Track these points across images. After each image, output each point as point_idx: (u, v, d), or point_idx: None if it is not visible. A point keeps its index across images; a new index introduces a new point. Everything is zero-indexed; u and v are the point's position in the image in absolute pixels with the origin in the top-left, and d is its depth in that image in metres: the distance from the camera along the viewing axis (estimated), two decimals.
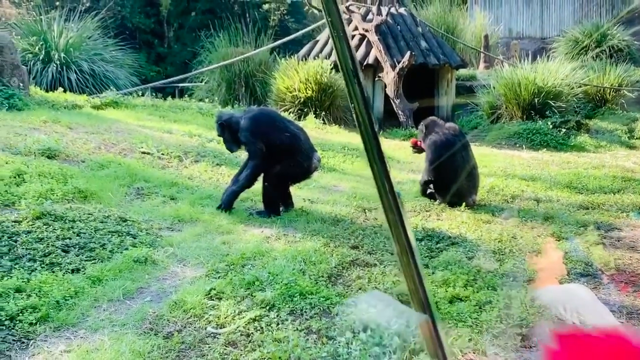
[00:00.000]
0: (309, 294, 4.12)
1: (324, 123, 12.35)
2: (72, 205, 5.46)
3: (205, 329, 3.67)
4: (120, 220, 5.34)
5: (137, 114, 10.52)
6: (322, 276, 4.49)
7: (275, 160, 6.13)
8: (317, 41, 14.97)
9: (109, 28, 17.15)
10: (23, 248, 4.53)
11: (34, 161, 6.49)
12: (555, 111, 12.48)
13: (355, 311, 3.87)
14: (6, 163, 6.22)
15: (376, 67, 13.66)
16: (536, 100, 12.57)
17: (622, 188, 7.84)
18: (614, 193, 7.55)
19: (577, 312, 3.89)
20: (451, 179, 6.57)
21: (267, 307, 3.93)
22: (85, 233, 4.92)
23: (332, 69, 12.85)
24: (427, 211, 6.52)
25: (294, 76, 12.75)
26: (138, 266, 4.56)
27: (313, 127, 11.25)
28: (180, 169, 7.54)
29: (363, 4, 15.25)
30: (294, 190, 6.55)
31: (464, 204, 6.59)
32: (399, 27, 14.63)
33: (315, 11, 16.90)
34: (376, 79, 13.58)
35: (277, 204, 6.24)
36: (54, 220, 5.02)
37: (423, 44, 14.32)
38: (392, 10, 14.69)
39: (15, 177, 5.88)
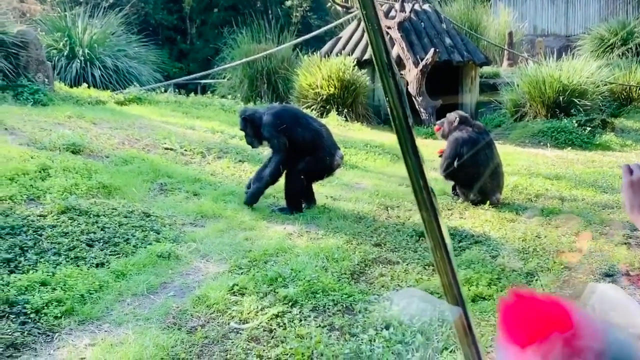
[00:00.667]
0: (332, 290, 4.13)
1: (346, 120, 12.33)
2: (96, 200, 5.52)
3: (228, 324, 3.70)
4: (144, 216, 5.39)
5: (161, 110, 10.59)
6: (345, 273, 4.50)
7: (297, 156, 6.14)
8: (340, 38, 14.93)
9: (132, 24, 17.24)
10: (48, 242, 4.59)
11: (58, 156, 6.56)
12: (581, 109, 12.33)
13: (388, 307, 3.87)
14: (31, 158, 6.30)
15: (398, 64, 13.59)
16: (561, 98, 12.43)
17: None
18: None
19: (606, 313, 3.85)
20: (475, 178, 6.53)
21: (290, 304, 3.95)
22: (109, 228, 4.97)
23: (354, 65, 12.82)
24: (449, 209, 6.49)
25: (317, 73, 12.74)
26: (161, 261, 4.60)
27: (335, 125, 11.24)
28: (203, 165, 7.58)
29: (386, 1, 15.19)
30: (316, 187, 6.55)
31: (487, 202, 6.54)
32: (422, 23, 14.55)
33: (338, 8, 16.85)
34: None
35: (299, 200, 6.25)
36: (78, 215, 5.07)
37: (447, 40, 14.23)
38: (416, 6, 14.61)
39: (40, 172, 5.95)
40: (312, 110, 12.04)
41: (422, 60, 12.89)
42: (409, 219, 5.98)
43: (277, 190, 6.57)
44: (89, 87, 11.68)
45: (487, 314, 3.94)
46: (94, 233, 4.84)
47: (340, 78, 12.54)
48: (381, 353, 3.38)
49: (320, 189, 6.85)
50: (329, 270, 4.49)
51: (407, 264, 4.74)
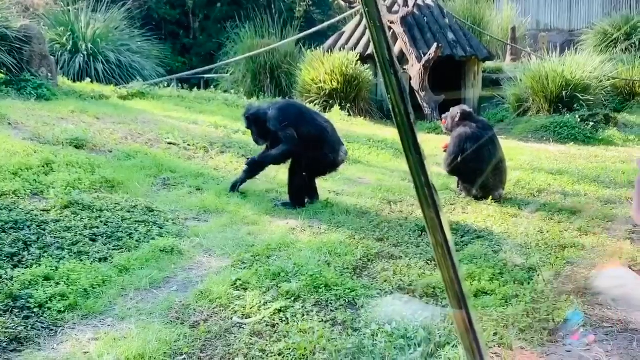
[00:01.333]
0: (335, 285, 4.13)
1: (349, 115, 12.33)
2: (99, 195, 5.53)
3: (231, 319, 3.70)
4: (147, 210, 5.40)
5: (164, 105, 10.59)
6: (348, 268, 4.50)
7: (302, 152, 6.13)
8: (343, 33, 14.92)
9: (135, 19, 17.24)
10: (52, 236, 4.59)
11: (62, 151, 6.57)
12: (584, 104, 12.30)
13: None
14: (35, 152, 6.31)
15: (401, 59, 13.56)
16: (564, 93, 12.40)
17: None
18: None
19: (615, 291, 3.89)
20: (478, 173, 6.52)
21: (293, 298, 3.95)
22: (112, 222, 4.98)
23: (357, 60, 12.81)
24: (452, 204, 6.48)
25: (320, 68, 12.74)
26: (165, 256, 4.60)
27: (338, 119, 11.23)
28: (206, 159, 7.58)
29: None
30: (319, 182, 6.55)
31: (490, 197, 6.53)
32: (425, 18, 14.52)
33: (342, 2, 16.81)
34: (401, 71, 13.50)
35: (302, 195, 6.25)
36: (81, 210, 5.08)
37: (450, 35, 14.20)
38: (419, 1, 14.57)
39: (43, 167, 5.96)
40: (315, 105, 12.05)
41: (425, 55, 12.87)
42: (411, 214, 5.98)
43: (281, 185, 6.57)
44: (92, 81, 11.71)
45: (490, 309, 3.94)
46: (97, 228, 4.85)
47: (343, 73, 12.54)
48: (383, 348, 3.38)
49: (323, 184, 6.85)
50: (331, 265, 4.49)
51: (409, 259, 4.74)
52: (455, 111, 6.96)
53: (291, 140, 6.03)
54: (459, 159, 6.59)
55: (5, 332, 3.39)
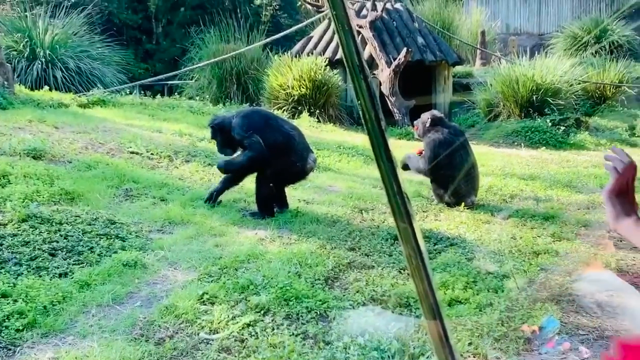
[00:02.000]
0: (305, 297, 4.11)
1: (319, 121, 12.34)
2: (58, 207, 5.44)
3: (198, 334, 3.66)
4: (109, 223, 5.32)
5: (125, 113, 10.48)
6: (319, 279, 4.48)
7: (269, 160, 6.11)
8: (311, 37, 14.95)
9: (96, 24, 17.05)
10: (9, 252, 4.50)
11: (19, 162, 6.45)
12: (554, 109, 12.50)
13: None
14: None
15: (370, 64, 13.63)
16: (534, 97, 12.59)
17: None
18: None
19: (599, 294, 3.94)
20: (450, 180, 6.57)
21: (262, 312, 3.92)
22: (72, 236, 4.89)
23: (326, 65, 12.84)
24: (424, 211, 6.52)
25: (287, 73, 12.73)
26: (128, 270, 4.54)
27: (307, 126, 11.24)
28: (171, 169, 7.51)
29: (357, 0, 15.24)
30: (288, 190, 6.53)
31: (463, 204, 6.58)
32: (394, 22, 14.62)
33: (309, 6, 16.86)
34: (371, 76, 13.55)
35: (270, 204, 6.22)
36: (40, 223, 4.99)
37: (420, 40, 14.32)
38: (388, 5, 14.68)
39: (0, 178, 5.84)
40: (283, 112, 12.04)
41: (394, 60, 12.94)
42: (383, 222, 5.99)
43: (248, 194, 6.54)
44: (50, 89, 11.53)
45: (464, 318, 3.96)
46: (57, 242, 4.76)
47: (311, 78, 12.55)
48: None
49: (293, 193, 6.83)
50: (302, 276, 4.47)
51: (382, 268, 4.75)
52: (426, 117, 7.01)
53: (257, 147, 6.00)
54: (431, 165, 6.65)
55: None
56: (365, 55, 13.58)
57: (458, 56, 15.12)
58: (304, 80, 12.54)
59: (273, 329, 3.74)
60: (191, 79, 16.44)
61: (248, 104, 13.58)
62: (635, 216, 1.54)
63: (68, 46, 13.97)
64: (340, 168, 8.71)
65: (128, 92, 13.15)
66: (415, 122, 7.28)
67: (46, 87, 11.54)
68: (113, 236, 5.07)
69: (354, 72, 0.88)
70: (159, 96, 13.34)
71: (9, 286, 4.01)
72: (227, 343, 3.55)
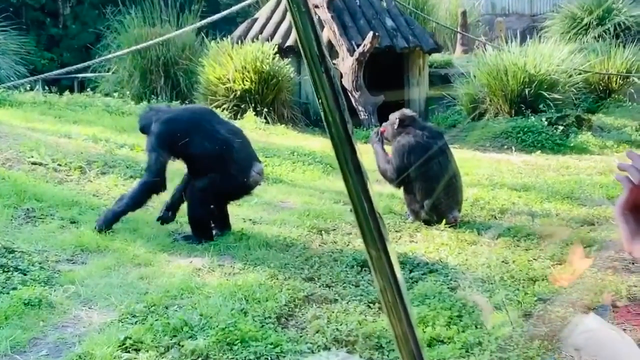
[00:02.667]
0: (253, 340, 4.10)
1: (267, 122, 12.31)
2: None
3: None
4: (6, 252, 5.24)
5: (25, 114, 10.33)
6: (270, 317, 4.47)
7: (199, 173, 6.09)
8: (256, 19, 14.94)
9: None
10: None
11: None
12: (551, 104, 12.69)
13: None
14: None
15: (329, 53, 13.69)
16: (527, 91, 12.76)
17: None
18: None
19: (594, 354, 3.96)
20: (427, 192, 6.62)
21: (200, 359, 3.89)
22: None
23: (275, 53, 12.82)
24: (397, 231, 6.56)
25: (228, 63, 12.68)
26: (30, 310, 4.46)
27: (253, 128, 11.21)
28: (83, 183, 7.42)
29: None
30: (231, 208, 6.51)
31: (444, 221, 6.63)
32: (357, 1, 14.72)
33: None
34: None
35: (208, 226, 6.19)
36: None
37: (389, 22, 14.42)
38: None
39: None
40: (223, 110, 11.98)
41: (358, 46, 13.01)
42: (347, 245, 6.01)
43: (181, 214, 6.48)
44: None
45: None
46: None
47: (257, 69, 12.52)
48: None
49: (236, 211, 6.80)
50: (249, 314, 4.45)
51: (347, 302, 4.75)
52: (395, 117, 7.06)
53: (154, 169, 6.01)
54: (402, 175, 6.70)
55: None
56: (324, 42, 13.68)
57: (435, 42, 15.28)
58: (248, 72, 12.51)
59: None
60: (107, 71, 16.27)
61: (180, 100, 13.50)
62: None
63: None
64: (294, 179, 8.70)
65: (28, 88, 12.96)
66: (384, 124, 7.31)
67: None
68: (11, 268, 4.99)
69: (312, 64, 0.88)
70: (67, 93, 13.14)
71: None
72: None
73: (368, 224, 0.87)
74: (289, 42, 13.62)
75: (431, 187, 6.61)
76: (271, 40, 13.60)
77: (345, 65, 13.06)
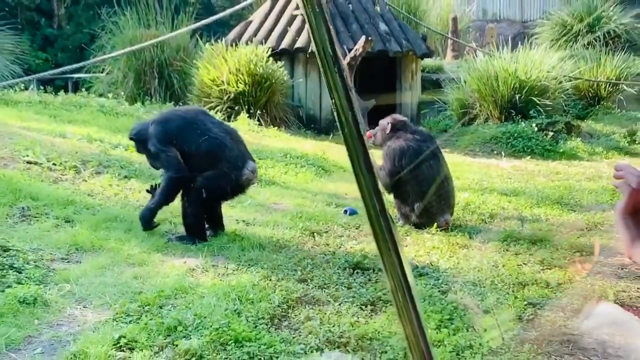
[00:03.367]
0: (247, 340, 4.08)
1: (260, 124, 12.32)
2: None
3: None
4: (1, 250, 5.20)
5: (21, 113, 10.31)
6: (263, 318, 4.46)
7: (193, 171, 6.08)
8: (250, 22, 14.94)
9: None
10: None
11: None
12: (541, 110, 12.76)
13: None
14: None
15: None
16: (517, 97, 12.83)
17: None
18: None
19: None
20: (418, 196, 6.63)
21: (194, 359, 3.87)
22: None
23: (269, 56, 12.82)
24: None
25: (222, 66, 12.69)
26: (25, 308, 4.43)
27: (246, 130, 11.21)
28: (78, 182, 7.40)
29: None
30: (224, 209, 6.49)
31: (435, 224, 6.64)
32: (350, 5, 14.74)
33: None
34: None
35: (202, 226, 6.18)
36: None
37: (382, 26, 14.44)
38: None
39: None
40: (217, 112, 11.98)
41: (350, 51, 13.01)
42: (339, 247, 6.00)
43: (175, 213, 6.47)
44: None
45: None
46: None
47: (251, 72, 12.53)
48: None
49: (230, 212, 6.80)
50: (242, 315, 4.44)
51: (339, 304, 4.75)
52: (386, 122, 7.07)
53: (174, 165, 6.03)
54: (395, 179, 6.70)
55: None
56: (313, 46, 13.68)
57: (427, 47, 15.31)
58: (242, 75, 12.52)
59: None
60: (102, 72, 16.24)
61: (173, 102, 13.49)
62: None
63: None
64: (286, 181, 8.70)
65: (23, 88, 12.92)
66: (371, 131, 7.31)
67: None
68: (6, 266, 4.96)
69: (327, 65, 0.88)
70: (62, 92, 13.11)
71: None
72: None
73: (379, 224, 0.87)
74: (283, 45, 13.64)
75: (422, 190, 6.61)
76: (265, 43, 13.61)
77: None
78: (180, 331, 4.14)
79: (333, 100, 0.87)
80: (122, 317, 4.39)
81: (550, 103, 12.97)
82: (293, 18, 14.47)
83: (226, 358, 3.91)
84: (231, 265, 5.45)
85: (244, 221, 6.75)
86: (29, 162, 7.62)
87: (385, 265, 0.87)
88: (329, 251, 5.91)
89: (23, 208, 6.37)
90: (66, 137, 9.02)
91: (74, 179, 7.50)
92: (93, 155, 8.26)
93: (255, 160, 6.58)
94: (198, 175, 6.07)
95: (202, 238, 6.09)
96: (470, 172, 9.68)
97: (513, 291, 5.15)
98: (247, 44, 13.48)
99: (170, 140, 6.04)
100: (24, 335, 4.15)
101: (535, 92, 12.88)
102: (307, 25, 0.87)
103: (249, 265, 5.46)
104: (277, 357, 3.98)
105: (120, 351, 3.93)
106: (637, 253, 1.57)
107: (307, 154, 9.98)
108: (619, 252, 6.29)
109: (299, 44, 13.69)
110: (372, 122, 9.59)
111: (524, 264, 5.82)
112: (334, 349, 4.14)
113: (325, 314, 4.59)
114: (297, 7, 14.25)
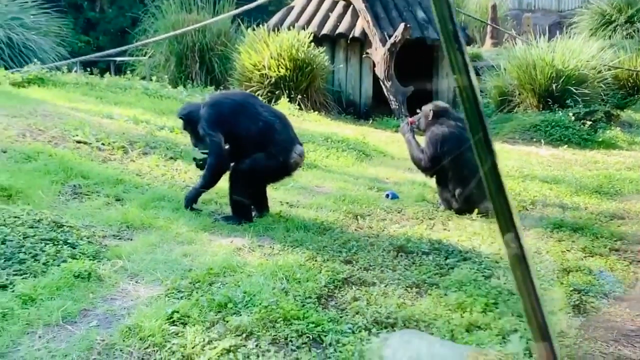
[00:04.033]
0: (295, 319, 4.09)
1: (300, 109, 12.32)
2: None
3: None
4: (55, 226, 5.26)
5: (68, 94, 10.41)
6: (310, 297, 4.46)
7: (243, 154, 6.10)
8: (292, 7, 14.93)
9: None
10: None
11: None
12: (578, 99, 12.60)
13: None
14: None
15: (363, 42, 13.67)
16: (554, 86, 12.66)
17: None
18: None
19: None
20: (460, 182, 6.60)
21: (244, 335, 3.89)
22: (12, 241, 4.82)
23: (310, 42, 12.81)
24: (430, 219, 6.54)
25: (263, 50, 12.71)
26: (80, 283, 4.48)
27: (287, 114, 11.12)
28: (126, 162, 7.47)
29: None
30: (268, 191, 6.52)
31: (475, 211, 6.61)
32: None
33: None
34: (363, 55, 13.59)
35: (247, 207, 6.21)
36: None
37: (420, 14, 14.37)
38: None
39: None
40: (258, 96, 11.99)
41: (390, 37, 12.97)
42: (383, 231, 6.00)
43: (220, 194, 6.50)
44: None
45: (485, 347, 3.97)
46: None
47: (292, 57, 12.53)
48: None
49: (273, 194, 6.82)
50: (290, 294, 4.45)
51: (385, 286, 4.74)
52: (428, 108, 7.06)
53: (217, 151, 6.06)
54: (436, 164, 6.69)
55: None
56: (357, 30, 13.69)
57: (466, 34, 15.21)
58: (283, 60, 12.53)
59: (258, 356, 3.71)
60: (144, 55, 16.33)
61: (214, 86, 13.53)
62: None
63: None
64: (328, 165, 8.71)
65: (67, 69, 13.04)
66: (414, 117, 7.29)
67: None
68: (61, 242, 5.01)
69: (449, 41, 0.88)
70: (107, 75, 13.22)
71: None
72: None
73: (500, 200, 0.87)
74: (324, 31, 13.62)
75: (463, 176, 6.59)
76: (306, 28, 13.60)
77: (378, 55, 13.03)
78: (231, 308, 4.15)
79: (455, 77, 0.88)
80: (173, 293, 4.42)
81: (589, 92, 12.80)
82: (335, 4, 14.44)
83: (275, 335, 3.93)
84: (277, 246, 5.46)
85: (287, 203, 6.77)
86: (78, 142, 7.70)
87: (507, 243, 0.88)
88: (373, 234, 5.90)
89: (74, 186, 6.45)
90: (113, 118, 9.10)
91: (122, 159, 7.57)
92: (140, 136, 8.33)
93: (302, 144, 6.60)
94: (246, 158, 6.10)
95: (248, 219, 6.12)
96: (510, 159, 9.61)
97: (558, 277, 5.12)
98: (289, 29, 13.48)
99: (221, 123, 6.07)
100: (79, 309, 4.20)
101: (573, 81, 12.72)
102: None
103: (294, 246, 5.46)
104: (325, 336, 3.99)
105: (174, 325, 3.96)
106: None
107: (347, 138, 9.97)
108: None
109: (341, 29, 13.67)
110: (410, 109, 9.57)
111: (568, 250, 5.78)
112: (382, 329, 4.15)
113: (372, 295, 4.59)
114: None
